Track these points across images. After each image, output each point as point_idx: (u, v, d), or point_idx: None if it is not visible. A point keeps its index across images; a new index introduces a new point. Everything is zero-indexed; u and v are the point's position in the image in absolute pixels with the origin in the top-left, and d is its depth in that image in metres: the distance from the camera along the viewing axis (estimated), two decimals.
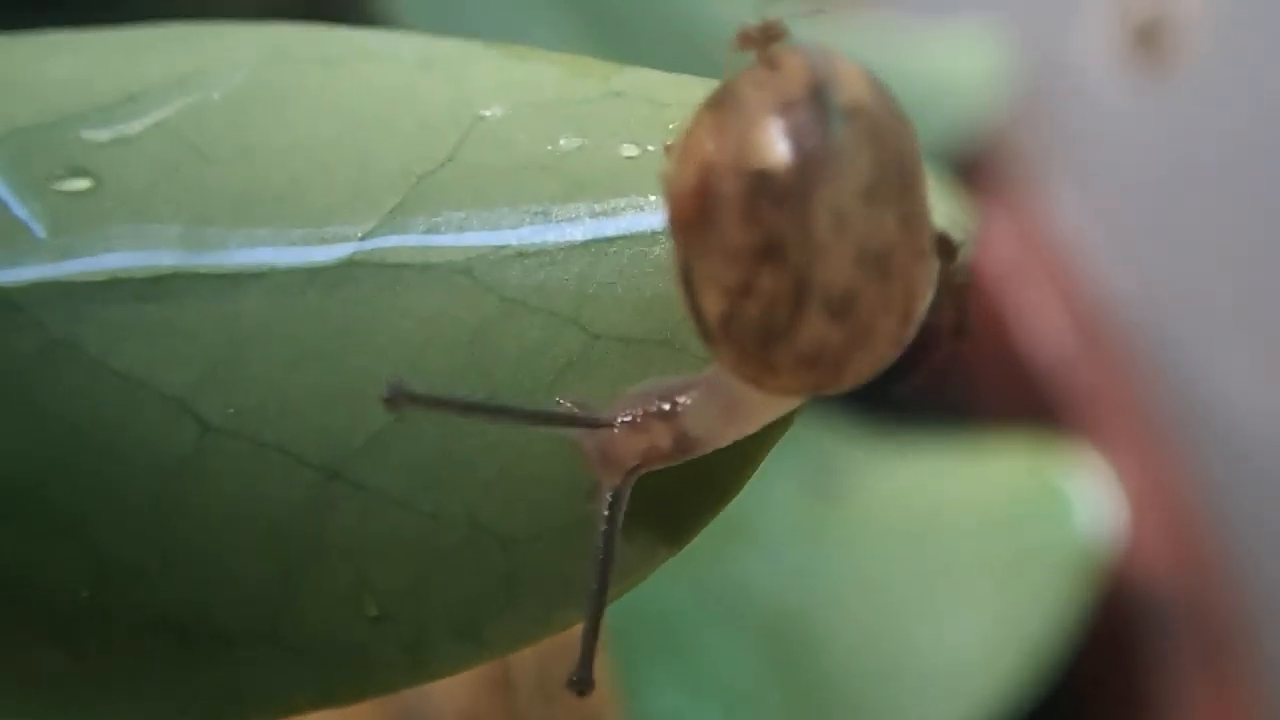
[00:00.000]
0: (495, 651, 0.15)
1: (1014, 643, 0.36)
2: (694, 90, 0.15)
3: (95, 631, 0.15)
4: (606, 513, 0.14)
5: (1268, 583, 0.41)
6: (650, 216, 0.15)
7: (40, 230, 0.15)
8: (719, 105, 0.13)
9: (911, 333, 0.14)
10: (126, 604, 0.15)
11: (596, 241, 0.15)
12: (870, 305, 0.13)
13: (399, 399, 0.14)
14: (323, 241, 0.15)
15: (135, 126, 0.15)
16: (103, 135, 0.15)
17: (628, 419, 0.14)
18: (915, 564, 0.37)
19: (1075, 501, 0.39)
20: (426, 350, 0.15)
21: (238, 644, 0.15)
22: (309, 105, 0.16)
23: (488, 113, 0.15)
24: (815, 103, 0.13)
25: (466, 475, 0.15)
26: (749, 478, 0.15)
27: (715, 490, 0.15)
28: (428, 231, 0.15)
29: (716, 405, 0.14)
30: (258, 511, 0.15)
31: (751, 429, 0.14)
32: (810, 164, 0.13)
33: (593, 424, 0.14)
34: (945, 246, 0.14)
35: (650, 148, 0.15)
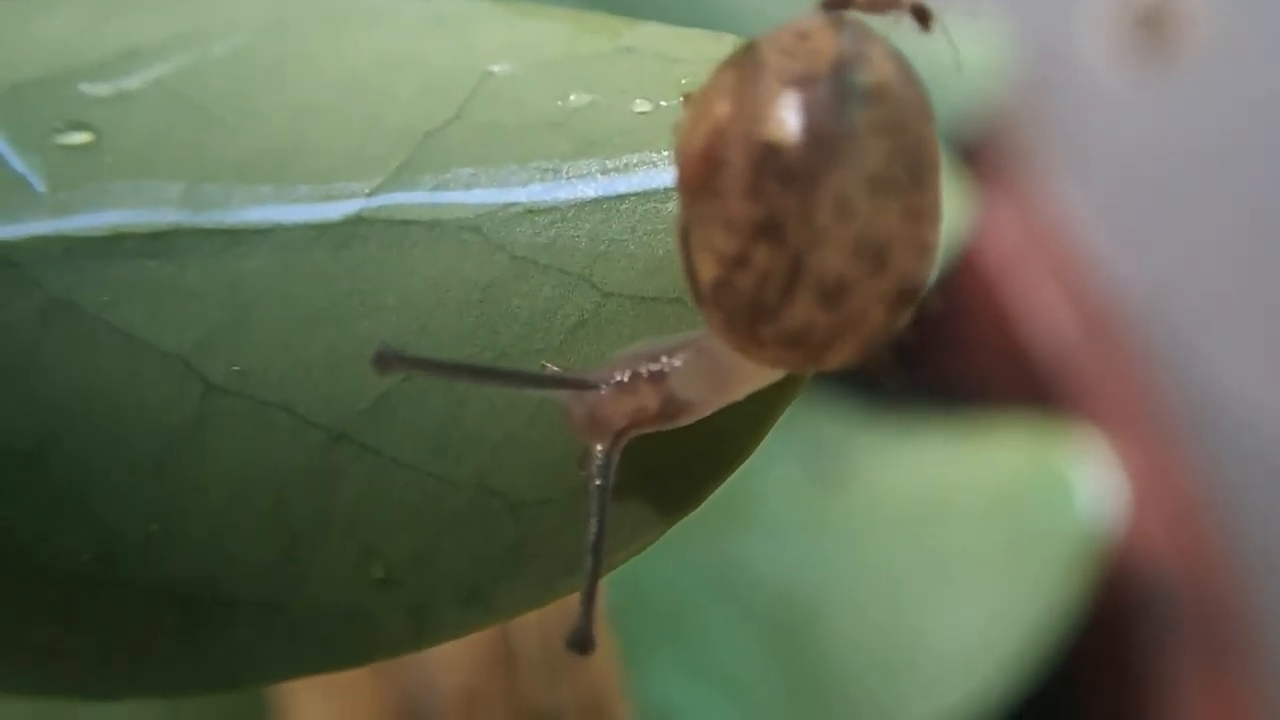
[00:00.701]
0: (501, 616, 0.15)
1: (1015, 628, 0.36)
2: (706, 45, 0.15)
3: (97, 601, 0.14)
4: (598, 480, 0.14)
5: (1268, 570, 0.41)
6: (663, 173, 0.14)
7: (40, 185, 0.14)
8: (740, 66, 0.13)
9: (903, 322, 0.13)
10: (129, 572, 0.14)
11: (608, 198, 0.14)
12: (863, 295, 0.13)
13: (389, 361, 0.13)
14: (328, 199, 0.15)
15: (134, 82, 0.15)
16: (102, 90, 0.15)
17: (616, 381, 0.14)
18: (917, 549, 0.37)
19: (1077, 487, 0.39)
20: (435, 311, 0.14)
21: (243, 611, 0.14)
22: (312, 64, 0.15)
23: (495, 69, 0.15)
24: (838, 81, 0.13)
25: (475, 438, 0.14)
26: (757, 444, 0.15)
27: (724, 456, 0.15)
28: (435, 189, 0.15)
29: (704, 369, 0.14)
30: (263, 474, 0.14)
31: (737, 396, 0.14)
32: (822, 146, 0.12)
33: (580, 385, 0.14)
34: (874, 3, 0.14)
35: (663, 103, 0.15)
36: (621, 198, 0.14)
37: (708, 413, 0.14)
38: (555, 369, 0.14)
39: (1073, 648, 0.36)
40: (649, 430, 0.14)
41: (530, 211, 0.14)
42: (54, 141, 0.15)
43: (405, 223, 0.14)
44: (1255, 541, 0.42)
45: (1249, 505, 0.42)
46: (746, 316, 0.13)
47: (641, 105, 0.15)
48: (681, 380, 0.14)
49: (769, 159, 0.12)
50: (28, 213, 0.14)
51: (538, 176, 0.15)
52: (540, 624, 0.23)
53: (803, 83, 0.13)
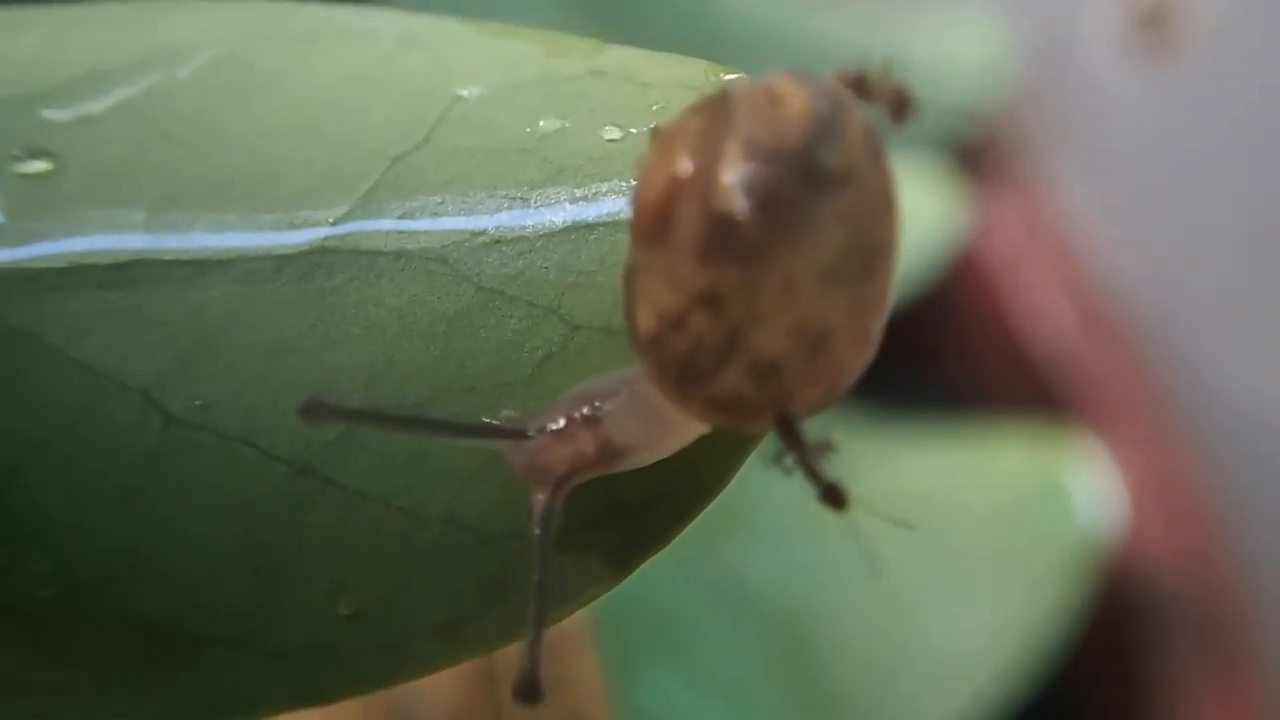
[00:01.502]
0: (475, 650, 0.14)
1: (1016, 632, 0.36)
2: (677, 70, 0.14)
3: (60, 634, 0.14)
4: (538, 530, 0.14)
5: (1269, 572, 0.41)
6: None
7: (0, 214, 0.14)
8: (708, 118, 0.13)
9: (832, 402, 0.13)
10: (93, 605, 0.14)
11: (577, 228, 0.14)
12: (794, 377, 0.13)
13: (317, 412, 0.13)
14: (292, 227, 0.14)
15: (98, 106, 0.15)
16: (64, 115, 0.15)
17: (552, 427, 0.14)
18: (917, 554, 0.37)
19: (1077, 492, 0.39)
20: (401, 342, 0.14)
21: (209, 647, 0.14)
22: (281, 85, 0.15)
23: (465, 92, 0.15)
24: (805, 159, 0.12)
25: (444, 472, 0.14)
26: (724, 485, 0.14)
27: (689, 497, 0.14)
28: (402, 217, 0.14)
29: (639, 413, 0.14)
30: (228, 509, 0.14)
31: (672, 446, 0.14)
32: (778, 228, 0.12)
33: (513, 435, 0.14)
34: (858, 82, 0.13)
35: (633, 130, 0.14)
36: (591, 227, 0.14)
37: (647, 458, 0.14)
38: (488, 420, 0.14)
39: (1074, 651, 0.36)
40: (590, 476, 0.14)
41: (498, 241, 0.14)
42: (13, 170, 0.14)
43: (371, 252, 0.14)
44: (1257, 543, 0.41)
45: (1251, 507, 0.42)
46: (677, 375, 0.13)
47: (612, 132, 0.14)
48: (617, 424, 0.14)
49: (722, 230, 0.12)
50: None
51: (506, 205, 0.14)
52: (525, 644, 0.23)
53: (769, 157, 0.12)
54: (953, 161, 0.43)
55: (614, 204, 0.14)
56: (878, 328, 0.13)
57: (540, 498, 0.14)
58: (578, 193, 0.14)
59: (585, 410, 0.14)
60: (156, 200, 0.14)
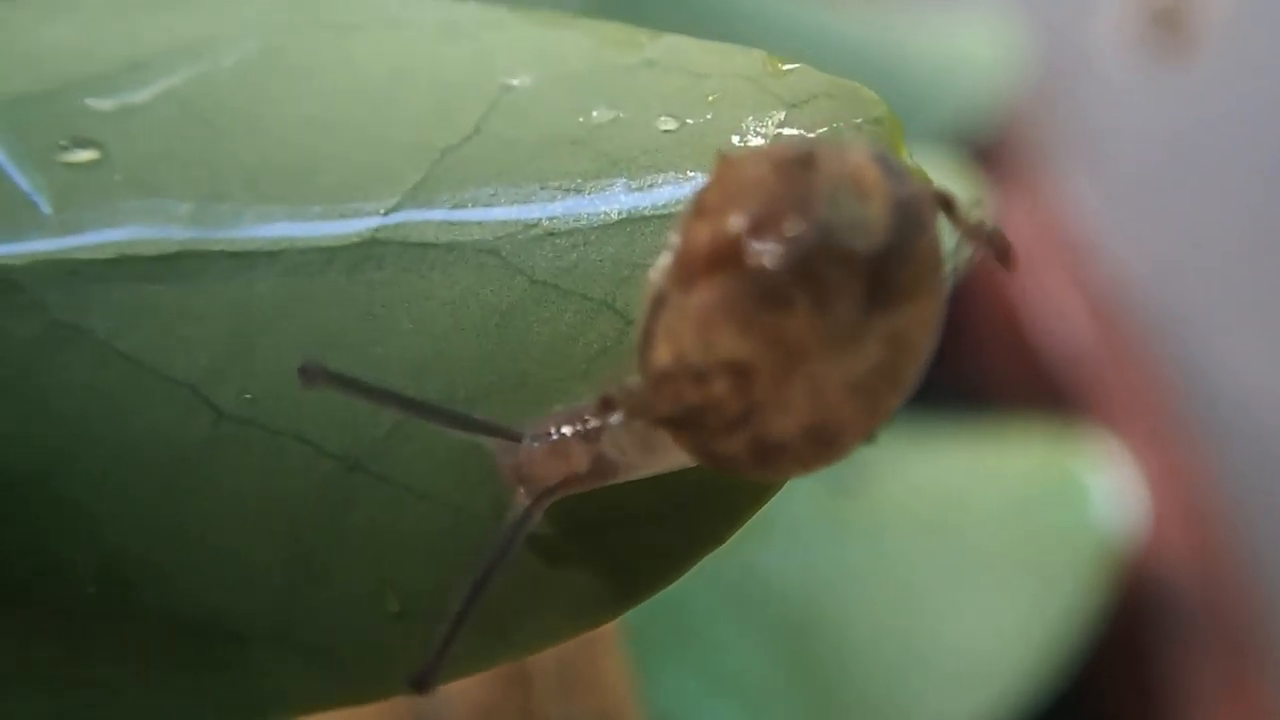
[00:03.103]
0: (522, 651, 0.14)
1: (1031, 632, 0.36)
2: (734, 60, 0.14)
3: (103, 631, 0.14)
4: (509, 531, 0.13)
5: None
6: (690, 193, 0.14)
7: (44, 204, 0.14)
8: (786, 181, 0.12)
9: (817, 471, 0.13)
10: (135, 602, 0.14)
11: (632, 219, 0.14)
12: (794, 458, 0.13)
13: (314, 376, 0.13)
14: (342, 218, 0.14)
15: (141, 95, 0.14)
16: (107, 104, 0.14)
17: (547, 437, 0.13)
18: (933, 555, 0.37)
19: (1093, 491, 0.39)
20: (452, 336, 0.14)
21: (253, 644, 0.14)
22: (325, 74, 0.15)
23: (515, 83, 0.14)
24: (874, 274, 0.12)
25: (493, 468, 0.14)
26: (734, 531, 0.14)
27: (699, 540, 0.14)
28: (453, 208, 0.14)
29: (635, 432, 0.13)
30: (275, 505, 0.14)
31: (666, 466, 0.14)
32: (828, 336, 0.12)
33: (508, 436, 0.13)
34: (946, 204, 0.13)
35: (689, 120, 0.14)
36: (646, 219, 0.14)
37: (636, 476, 0.14)
38: (483, 417, 0.14)
39: (1090, 650, 0.36)
40: (579, 490, 0.14)
41: (551, 233, 0.14)
42: (58, 159, 0.14)
43: (422, 245, 0.14)
44: (1272, 543, 0.41)
45: (1264, 506, 0.42)
46: (679, 417, 0.12)
47: (667, 123, 0.14)
48: (613, 441, 0.13)
49: (773, 313, 0.12)
50: (32, 233, 0.14)
51: (559, 196, 0.14)
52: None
53: (839, 260, 0.12)
54: (964, 160, 0.43)
55: (670, 194, 0.14)
56: (882, 421, 0.13)
57: (523, 502, 0.13)
58: (632, 184, 0.14)
59: (583, 425, 0.13)
60: (202, 191, 0.14)
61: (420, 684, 0.13)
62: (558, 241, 0.14)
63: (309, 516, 0.14)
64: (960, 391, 0.43)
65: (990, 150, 0.46)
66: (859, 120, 0.13)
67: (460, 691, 0.23)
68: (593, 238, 0.14)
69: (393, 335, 0.14)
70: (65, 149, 0.14)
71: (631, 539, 0.14)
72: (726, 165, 0.12)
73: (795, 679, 0.33)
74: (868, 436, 0.13)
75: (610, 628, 0.23)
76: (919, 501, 0.38)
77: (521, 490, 0.14)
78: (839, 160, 0.12)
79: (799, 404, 0.12)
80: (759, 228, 0.12)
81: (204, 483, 0.14)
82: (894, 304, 0.12)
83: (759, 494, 0.14)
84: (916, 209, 0.12)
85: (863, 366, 0.12)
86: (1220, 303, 0.44)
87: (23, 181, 0.14)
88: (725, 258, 0.12)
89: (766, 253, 0.12)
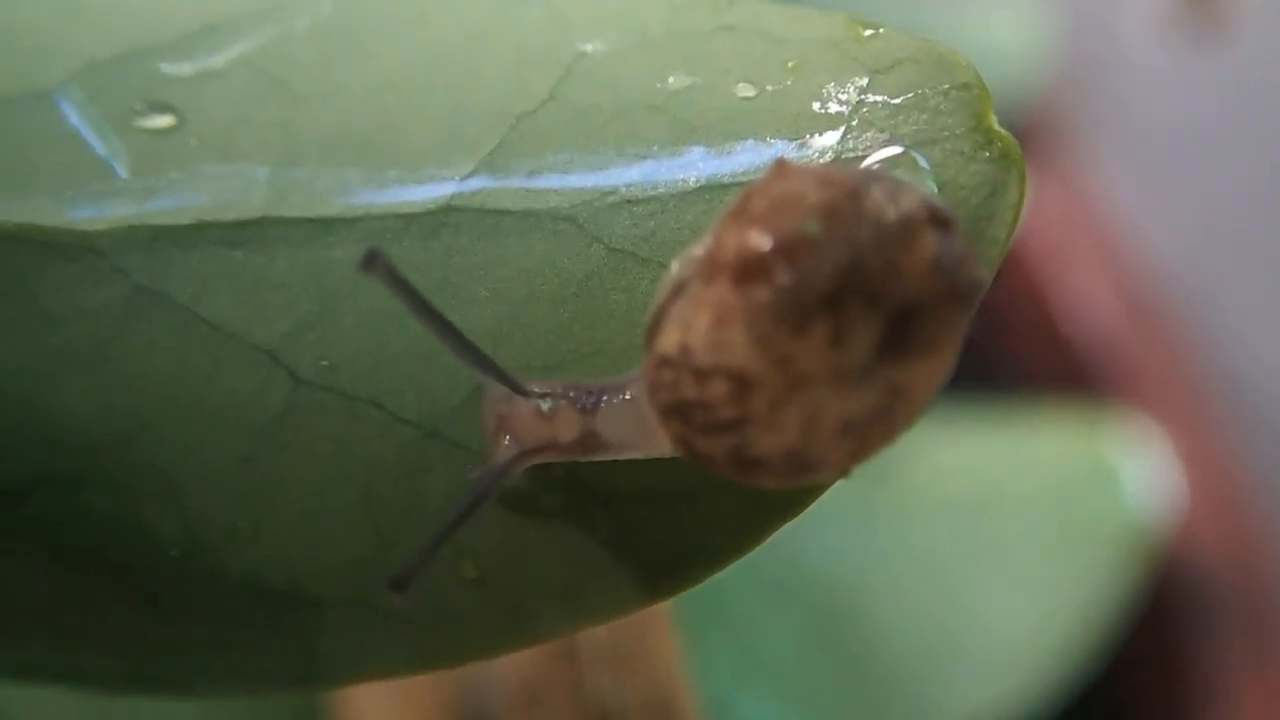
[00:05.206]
0: (597, 617, 0.14)
1: (1063, 616, 0.36)
2: (816, 24, 0.14)
3: (183, 594, 0.14)
4: (482, 484, 0.13)
5: None
6: (769, 161, 0.14)
7: (122, 170, 0.14)
8: (839, 204, 0.12)
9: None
10: (215, 566, 0.14)
11: (711, 187, 0.14)
12: (771, 473, 0.13)
13: (375, 263, 0.12)
14: (418, 184, 0.14)
15: (217, 60, 0.14)
16: (184, 69, 0.14)
17: (545, 397, 0.13)
18: (965, 540, 0.37)
19: (1125, 476, 0.38)
20: (529, 304, 0.14)
21: (330, 609, 0.14)
22: (399, 38, 0.15)
23: (590, 48, 0.14)
24: (902, 323, 0.12)
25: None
26: (756, 544, 0.14)
27: (720, 550, 0.14)
28: (530, 175, 0.14)
29: (634, 412, 0.13)
30: (351, 471, 0.14)
31: (655, 451, 0.14)
32: (838, 373, 0.12)
33: (506, 382, 0.13)
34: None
35: (769, 87, 0.14)
36: (725, 187, 0.14)
37: (624, 456, 0.14)
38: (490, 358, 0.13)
39: (1120, 635, 0.36)
40: (559, 460, 0.14)
41: (629, 201, 0.14)
42: (136, 124, 0.14)
43: (498, 211, 0.14)
44: None
45: None
46: (669, 407, 0.13)
47: (746, 89, 0.14)
48: (610, 417, 0.13)
49: (793, 332, 0.12)
50: (111, 199, 0.14)
51: (636, 163, 0.14)
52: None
53: (872, 301, 0.11)
54: None
55: (750, 161, 0.14)
56: (863, 461, 0.13)
57: (499, 459, 0.13)
58: (711, 151, 0.14)
59: (589, 397, 0.13)
60: (279, 157, 0.14)
61: (396, 584, 0.13)
62: (635, 209, 0.14)
63: (384, 482, 0.14)
64: (991, 377, 0.43)
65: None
66: (946, 86, 0.13)
67: (508, 666, 0.23)
68: (671, 205, 0.14)
69: (469, 303, 0.14)
70: (142, 114, 0.14)
71: (688, 518, 0.14)
72: (781, 174, 0.12)
73: (827, 659, 0.33)
74: (844, 473, 0.13)
75: (662, 608, 0.23)
76: (951, 487, 0.38)
77: (506, 440, 0.14)
78: (893, 202, 0.12)
79: (788, 428, 0.12)
80: (796, 249, 0.12)
81: (282, 447, 0.14)
82: (907, 357, 0.12)
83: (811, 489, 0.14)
84: (954, 271, 0.12)
85: (860, 408, 0.12)
86: (1252, 288, 0.44)
87: (100, 147, 0.14)
88: (757, 266, 0.12)
89: (799, 274, 0.12)
